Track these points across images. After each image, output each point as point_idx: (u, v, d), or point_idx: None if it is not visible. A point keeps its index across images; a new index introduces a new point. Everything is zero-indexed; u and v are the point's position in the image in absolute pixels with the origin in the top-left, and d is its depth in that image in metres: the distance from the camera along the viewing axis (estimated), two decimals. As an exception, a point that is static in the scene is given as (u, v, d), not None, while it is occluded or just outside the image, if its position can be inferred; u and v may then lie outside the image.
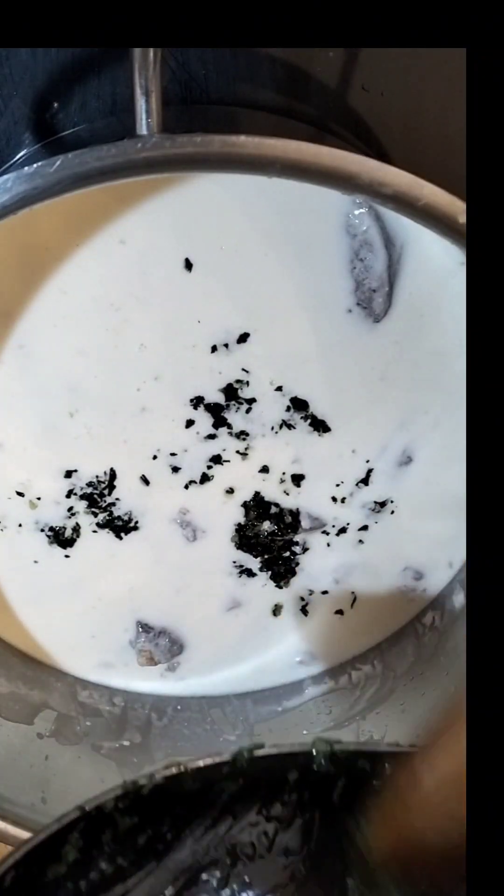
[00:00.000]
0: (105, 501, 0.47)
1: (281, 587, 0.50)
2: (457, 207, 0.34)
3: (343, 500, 0.48)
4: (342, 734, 0.51)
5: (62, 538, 0.48)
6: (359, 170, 0.33)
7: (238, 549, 0.49)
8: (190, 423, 0.45)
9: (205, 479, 0.46)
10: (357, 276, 0.41)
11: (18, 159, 0.42)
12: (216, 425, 0.45)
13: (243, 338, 0.42)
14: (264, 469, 0.46)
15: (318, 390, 0.44)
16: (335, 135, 0.42)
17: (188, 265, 0.41)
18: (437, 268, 0.41)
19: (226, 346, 0.43)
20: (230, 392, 0.44)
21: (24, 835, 0.45)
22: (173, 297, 0.41)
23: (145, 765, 0.51)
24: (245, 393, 0.44)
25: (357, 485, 0.47)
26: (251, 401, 0.44)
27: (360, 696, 0.52)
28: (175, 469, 0.46)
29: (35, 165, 0.31)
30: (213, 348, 0.43)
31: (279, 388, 0.44)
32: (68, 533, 0.48)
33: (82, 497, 0.46)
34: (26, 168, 0.32)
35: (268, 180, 0.34)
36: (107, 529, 0.48)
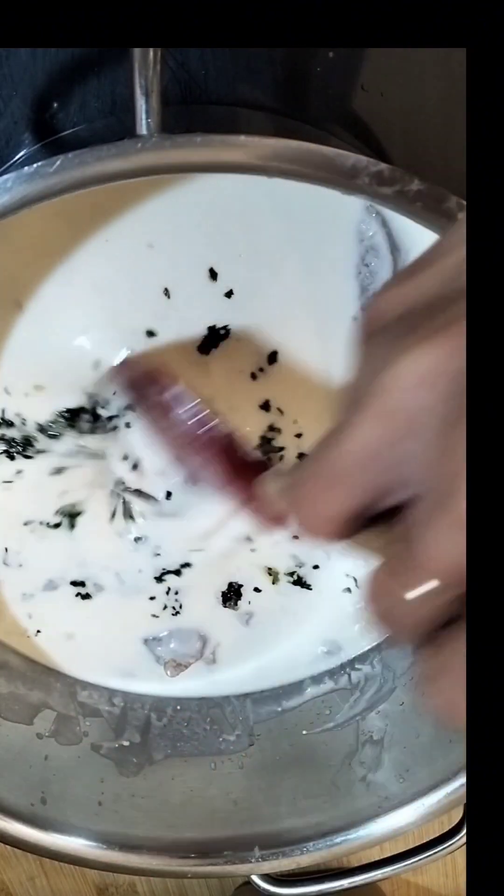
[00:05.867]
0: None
1: (284, 590, 0.50)
2: (456, 207, 0.34)
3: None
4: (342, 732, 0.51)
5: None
6: (358, 170, 0.33)
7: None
8: None
9: None
10: (363, 282, 0.41)
11: (18, 159, 0.41)
12: None
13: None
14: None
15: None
16: (335, 135, 0.42)
17: (189, 264, 0.41)
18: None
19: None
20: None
21: (25, 835, 0.46)
22: (174, 296, 0.41)
23: (145, 765, 0.51)
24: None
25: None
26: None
27: (360, 696, 0.52)
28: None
29: (35, 165, 0.31)
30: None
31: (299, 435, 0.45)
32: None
33: None
34: (26, 168, 0.31)
35: (278, 184, 0.34)
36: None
